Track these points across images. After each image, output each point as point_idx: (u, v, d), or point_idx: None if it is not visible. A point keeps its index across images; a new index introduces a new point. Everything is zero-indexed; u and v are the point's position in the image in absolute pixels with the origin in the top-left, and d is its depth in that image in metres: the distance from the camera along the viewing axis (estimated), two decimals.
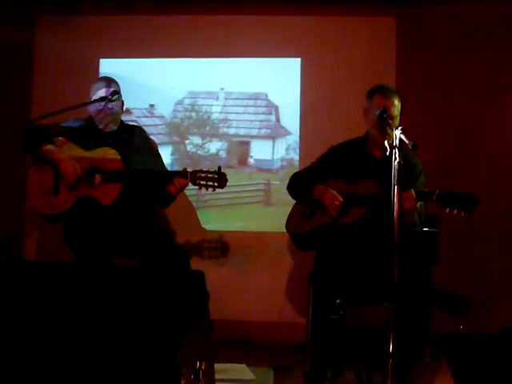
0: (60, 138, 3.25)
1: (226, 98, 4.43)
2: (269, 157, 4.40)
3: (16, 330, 2.13)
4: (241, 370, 3.43)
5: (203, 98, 4.45)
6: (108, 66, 4.42)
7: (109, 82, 3.33)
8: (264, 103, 4.42)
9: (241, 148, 4.43)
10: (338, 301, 3.01)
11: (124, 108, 3.46)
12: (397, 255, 2.63)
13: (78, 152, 3.23)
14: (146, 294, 2.23)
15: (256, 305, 4.20)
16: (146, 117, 4.45)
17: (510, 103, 4.20)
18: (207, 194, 4.04)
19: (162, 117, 4.46)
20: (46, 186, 3.20)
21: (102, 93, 3.27)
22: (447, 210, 2.88)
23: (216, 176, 3.12)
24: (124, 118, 3.55)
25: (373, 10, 4.27)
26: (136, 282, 2.32)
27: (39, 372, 2.01)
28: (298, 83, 4.36)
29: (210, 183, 3.13)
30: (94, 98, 3.28)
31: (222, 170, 3.14)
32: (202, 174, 3.13)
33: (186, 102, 4.46)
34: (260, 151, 4.41)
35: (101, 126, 3.32)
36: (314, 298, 3.17)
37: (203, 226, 4.36)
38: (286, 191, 3.48)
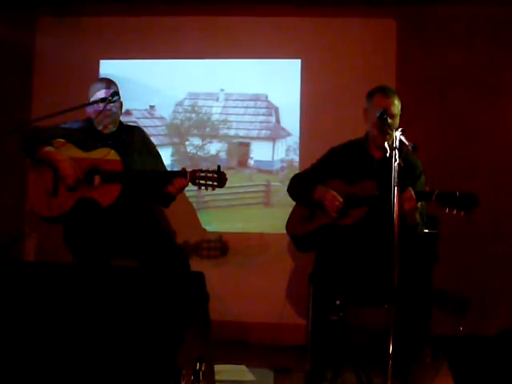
0: (59, 140, 3.25)
1: (226, 99, 4.44)
2: (269, 158, 4.41)
3: (15, 331, 2.13)
4: (241, 371, 3.43)
5: (203, 99, 4.46)
6: (108, 67, 4.43)
7: (108, 83, 3.33)
8: (264, 104, 4.42)
9: (241, 149, 4.43)
10: (338, 302, 3.00)
11: (123, 109, 3.46)
12: (397, 256, 2.63)
13: (78, 153, 3.23)
14: (146, 295, 2.23)
15: (256, 306, 4.19)
16: (146, 118, 4.45)
17: (510, 103, 4.20)
18: (207, 194, 4.05)
19: (162, 118, 4.47)
20: (46, 187, 3.20)
21: (101, 94, 3.26)
22: (447, 210, 2.87)
23: (215, 175, 3.11)
24: (124, 119, 3.55)
25: (373, 12, 4.28)
26: (136, 283, 2.32)
27: (39, 372, 2.01)
28: (298, 84, 4.36)
29: (210, 183, 3.12)
30: (94, 99, 3.28)
31: (222, 171, 3.13)
32: (202, 174, 3.13)
33: (186, 103, 4.46)
34: (260, 152, 4.42)
35: (100, 127, 3.32)
36: (313, 299, 3.17)
37: (203, 226, 4.36)
38: (286, 192, 3.47)
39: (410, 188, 2.94)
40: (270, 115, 4.41)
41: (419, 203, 2.98)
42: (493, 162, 4.17)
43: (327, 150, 3.43)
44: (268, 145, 4.41)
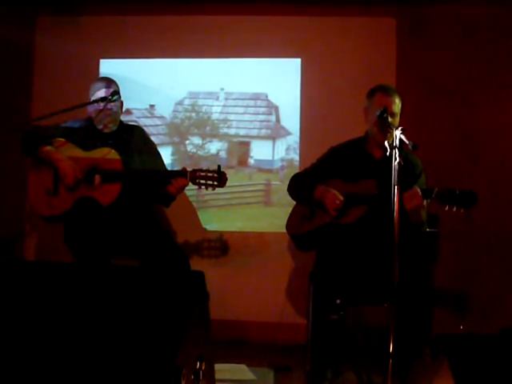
0: (59, 139, 3.25)
1: (226, 99, 4.43)
2: (269, 157, 4.41)
3: (16, 330, 2.13)
4: (241, 371, 3.43)
5: (203, 98, 4.45)
6: (108, 67, 4.43)
7: (108, 82, 3.33)
8: (264, 103, 4.42)
9: (241, 148, 4.43)
10: (338, 301, 3.00)
11: (124, 108, 3.46)
12: (397, 255, 2.63)
13: (78, 153, 3.23)
14: (146, 295, 2.23)
15: (256, 305, 4.19)
16: (146, 117, 4.45)
17: (510, 103, 4.20)
18: (207, 194, 4.05)
19: (162, 117, 4.46)
20: (46, 187, 3.20)
21: (101, 93, 3.27)
22: (446, 208, 2.88)
23: (216, 175, 3.12)
24: (124, 118, 3.55)
25: (373, 11, 4.27)
26: (136, 282, 2.32)
27: (39, 372, 2.01)
28: (298, 83, 4.36)
29: (210, 182, 3.12)
30: (94, 98, 3.28)
31: (222, 170, 3.14)
32: (202, 173, 3.13)
33: (186, 102, 4.46)
34: (260, 151, 4.42)
35: (100, 127, 3.32)
36: (314, 298, 3.17)
37: (203, 226, 4.36)
38: (286, 191, 3.48)
39: (416, 186, 2.95)
40: (270, 114, 4.40)
41: (425, 201, 2.98)
42: (493, 161, 4.17)
43: (327, 149, 3.43)
44: (268, 144, 4.41)
